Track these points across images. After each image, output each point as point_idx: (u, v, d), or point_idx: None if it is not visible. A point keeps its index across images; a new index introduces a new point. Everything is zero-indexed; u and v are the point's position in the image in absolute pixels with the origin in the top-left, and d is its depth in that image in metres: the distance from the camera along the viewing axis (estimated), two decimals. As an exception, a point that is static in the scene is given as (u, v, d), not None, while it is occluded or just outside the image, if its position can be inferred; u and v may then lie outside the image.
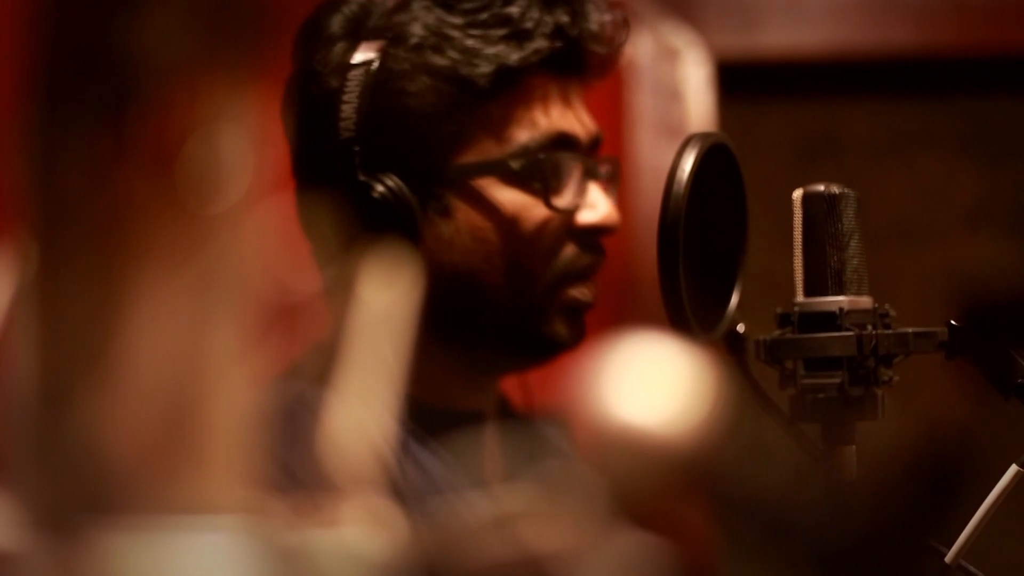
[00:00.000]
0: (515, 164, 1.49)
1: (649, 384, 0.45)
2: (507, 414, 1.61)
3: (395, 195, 1.45)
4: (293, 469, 1.35)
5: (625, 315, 2.66)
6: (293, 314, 1.44)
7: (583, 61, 1.53)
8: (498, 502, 0.47)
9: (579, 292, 1.52)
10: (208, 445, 0.49)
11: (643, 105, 2.98)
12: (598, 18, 1.53)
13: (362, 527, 0.49)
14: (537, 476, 0.46)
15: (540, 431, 1.64)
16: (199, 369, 0.49)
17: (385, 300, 0.51)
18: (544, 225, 1.50)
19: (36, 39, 0.50)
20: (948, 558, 1.22)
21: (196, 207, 0.48)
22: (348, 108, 1.46)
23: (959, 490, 0.50)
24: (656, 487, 0.44)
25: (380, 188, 1.45)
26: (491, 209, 1.49)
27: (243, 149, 0.49)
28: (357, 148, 1.45)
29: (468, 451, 1.51)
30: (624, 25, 1.56)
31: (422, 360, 1.51)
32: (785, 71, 3.23)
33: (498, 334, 1.52)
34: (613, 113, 2.90)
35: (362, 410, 0.52)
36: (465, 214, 1.49)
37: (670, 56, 3.02)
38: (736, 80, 3.07)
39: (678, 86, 3.03)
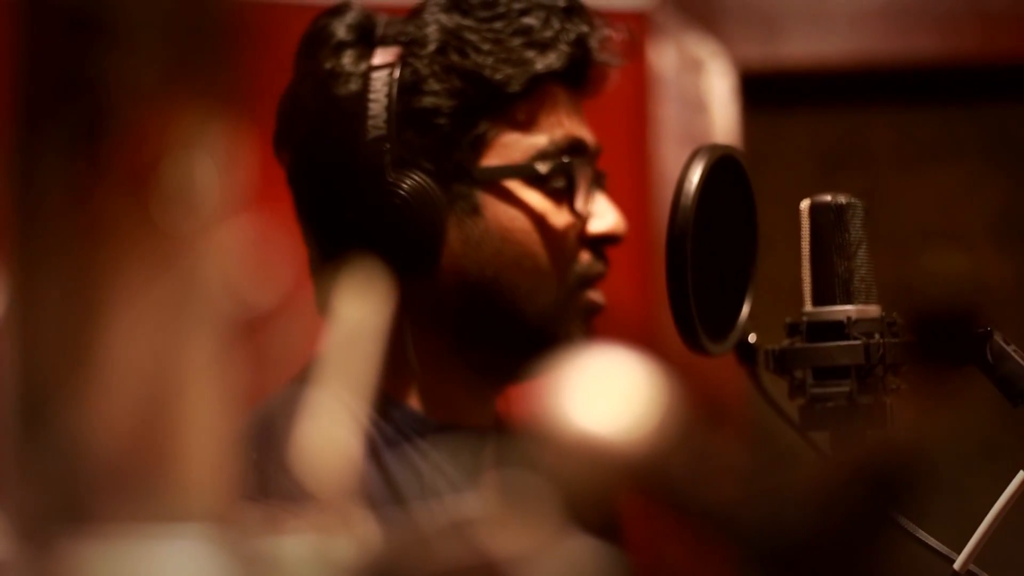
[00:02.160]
0: (542, 168, 1.51)
1: (602, 393, 0.46)
2: (502, 429, 1.62)
3: (425, 193, 1.47)
4: (266, 478, 1.36)
5: (646, 325, 2.67)
6: (259, 329, 1.45)
7: (591, 73, 1.55)
8: (454, 508, 0.48)
9: (596, 295, 1.54)
10: (182, 455, 0.50)
11: (667, 116, 2.99)
12: (606, 32, 1.56)
13: (326, 534, 0.50)
14: (492, 483, 0.47)
15: (530, 444, 1.64)
16: (173, 381, 0.50)
17: (358, 313, 0.52)
18: (566, 229, 1.53)
19: (13, 64, 0.51)
20: (957, 564, 1.22)
21: (169, 227, 0.49)
22: (376, 107, 1.47)
23: (903, 497, 0.51)
24: (607, 493, 0.45)
25: (409, 185, 1.47)
26: (520, 211, 1.51)
27: (214, 171, 0.50)
28: (387, 146, 1.47)
29: (473, 467, 1.53)
30: (630, 40, 1.59)
31: (431, 373, 1.52)
32: (808, 81, 3.23)
33: (520, 333, 1.53)
34: (637, 124, 2.91)
35: (333, 420, 0.53)
36: (494, 214, 1.51)
37: (694, 67, 3.02)
38: (760, 90, 3.07)
39: (702, 97, 3.03)
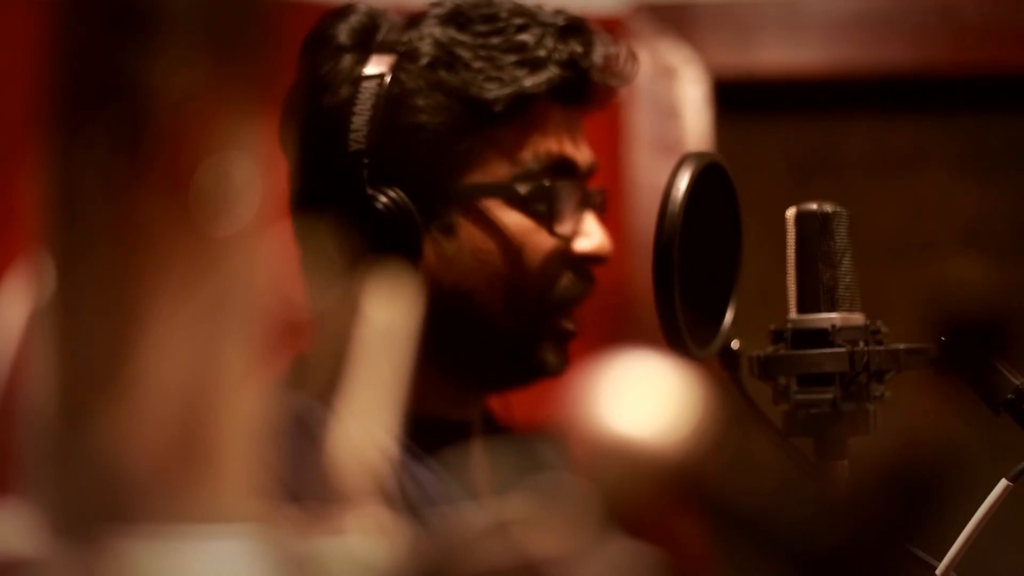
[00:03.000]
0: (522, 189, 1.50)
1: (640, 397, 0.47)
2: (492, 427, 1.63)
3: (400, 210, 1.46)
4: (299, 480, 1.37)
5: (620, 334, 2.68)
6: (299, 331, 1.46)
7: (589, 92, 1.55)
8: (495, 510, 0.49)
9: (569, 323, 1.54)
10: (220, 456, 0.51)
11: (640, 123, 2.99)
12: (606, 51, 1.55)
13: (366, 535, 0.51)
14: (532, 486, 0.48)
15: (527, 443, 1.66)
16: (211, 383, 0.51)
17: (388, 317, 0.53)
18: (545, 251, 1.52)
19: (53, 66, 0.52)
20: (939, 571, 1.24)
21: (208, 229, 0.50)
22: (359, 120, 1.47)
23: (937, 501, 0.52)
24: (646, 496, 0.46)
25: (385, 202, 1.46)
26: (495, 231, 1.50)
27: (253, 173, 0.51)
28: (366, 161, 1.46)
29: (455, 461, 1.53)
30: (631, 59, 1.58)
31: (412, 373, 1.53)
32: (782, 89, 3.24)
33: (490, 355, 1.53)
34: (610, 131, 2.91)
35: (364, 424, 0.54)
36: (468, 234, 1.50)
37: (667, 74, 3.03)
38: (733, 98, 3.08)
39: (675, 104, 3.04)
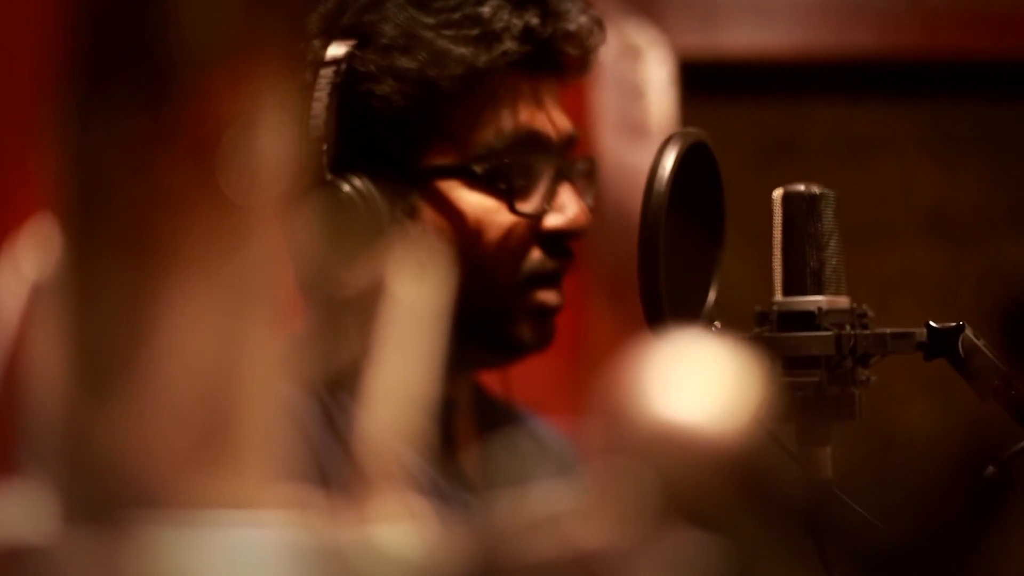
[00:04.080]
0: (479, 168, 1.47)
1: (695, 382, 0.45)
2: (483, 405, 1.60)
3: (362, 196, 1.44)
4: (325, 465, 1.35)
5: (584, 312, 2.66)
6: (325, 309, 1.43)
7: (556, 61, 1.51)
8: (544, 500, 0.46)
9: (546, 296, 1.51)
10: (243, 439, 0.48)
11: (605, 103, 2.98)
12: (573, 18, 1.51)
13: (403, 525, 0.49)
14: (588, 472, 0.46)
15: (518, 422, 1.63)
16: (235, 362, 0.48)
17: (417, 295, 0.51)
18: (509, 230, 1.49)
19: (73, 21, 0.49)
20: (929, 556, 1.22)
21: (235, 198, 0.47)
22: (318, 106, 1.44)
23: (1007, 498, 0.50)
24: (703, 485, 0.43)
25: (347, 188, 1.44)
26: (456, 212, 1.48)
27: (285, 138, 0.48)
28: (325, 147, 1.44)
29: (440, 439, 1.51)
30: (599, 26, 1.54)
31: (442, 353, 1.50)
32: (747, 71, 3.24)
33: (464, 334, 1.50)
34: (575, 111, 2.89)
35: (392, 406, 0.52)
36: (431, 216, 1.48)
37: (632, 54, 3.02)
38: (698, 79, 3.07)
39: (640, 85, 3.03)
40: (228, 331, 0.48)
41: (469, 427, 1.58)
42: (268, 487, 0.49)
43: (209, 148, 0.48)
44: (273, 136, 0.48)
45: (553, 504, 0.46)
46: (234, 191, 0.47)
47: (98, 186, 0.48)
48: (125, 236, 0.48)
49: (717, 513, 0.44)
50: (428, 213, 1.47)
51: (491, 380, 1.63)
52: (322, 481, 1.31)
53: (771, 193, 1.32)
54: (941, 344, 1.26)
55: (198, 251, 0.48)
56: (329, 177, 1.43)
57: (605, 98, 2.98)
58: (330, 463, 1.34)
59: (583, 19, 1.52)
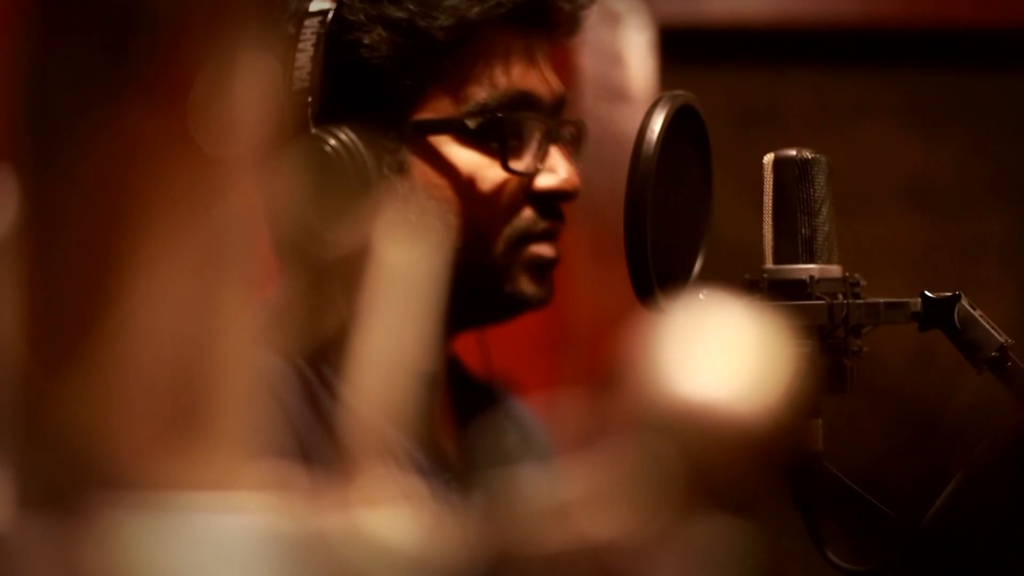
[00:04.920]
0: (471, 123, 1.44)
1: (721, 353, 0.41)
2: (458, 378, 1.57)
3: (348, 150, 1.40)
4: (306, 442, 1.30)
5: (566, 277, 2.63)
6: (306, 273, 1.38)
7: (549, 17, 1.48)
8: (558, 487, 0.42)
9: (541, 248, 1.47)
10: (216, 416, 0.44)
11: (585, 69, 2.95)
12: None
13: (395, 509, 0.45)
14: (605, 454, 0.42)
15: (492, 398, 1.60)
16: (208, 330, 0.44)
17: (407, 259, 0.47)
18: (500, 187, 1.45)
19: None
20: (918, 530, 1.19)
21: (209, 149, 0.43)
22: (303, 57, 1.40)
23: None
24: (733, 466, 0.40)
25: (332, 142, 1.39)
26: (447, 168, 1.44)
27: (262, 83, 0.44)
28: (310, 99, 1.39)
29: (420, 415, 1.47)
30: None
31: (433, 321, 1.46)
32: (728, 38, 3.21)
33: (459, 291, 1.46)
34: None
35: (380, 378, 0.48)
36: (421, 172, 1.44)
37: (613, 20, 2.99)
38: (678, 46, 3.05)
39: (620, 51, 3.00)
40: (200, 295, 0.44)
41: (446, 402, 1.54)
42: (244, 467, 0.45)
43: (180, 94, 0.43)
44: (250, 81, 0.44)
45: (563, 489, 0.42)
46: (207, 141, 0.43)
47: (58, 135, 0.44)
48: (87, 190, 0.44)
49: (747, 496, 0.40)
50: (417, 169, 1.43)
51: (469, 349, 1.59)
52: (304, 460, 1.27)
53: (749, 161, 1.29)
54: (936, 314, 1.23)
55: (168, 207, 0.43)
56: (314, 130, 1.39)
57: (585, 63, 2.96)
58: (312, 440, 1.30)
59: None
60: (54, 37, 0.44)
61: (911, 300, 1.24)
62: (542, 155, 1.47)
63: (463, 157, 1.44)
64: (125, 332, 0.43)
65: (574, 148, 1.52)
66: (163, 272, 0.43)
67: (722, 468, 0.40)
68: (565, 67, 2.85)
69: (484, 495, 1.33)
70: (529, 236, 1.46)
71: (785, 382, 0.42)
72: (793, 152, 1.27)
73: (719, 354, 0.41)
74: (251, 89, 0.44)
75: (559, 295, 1.55)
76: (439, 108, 1.44)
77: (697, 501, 0.40)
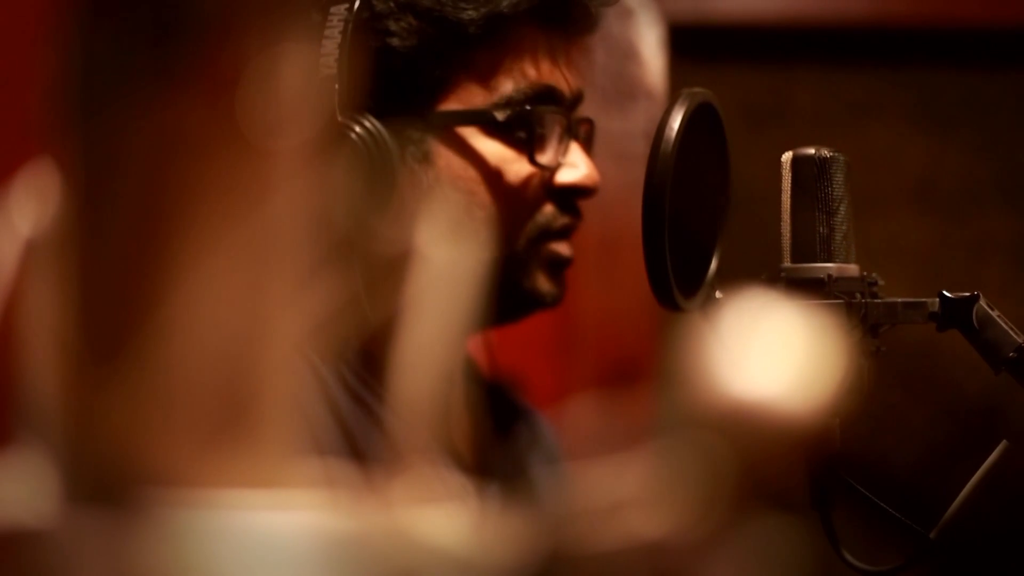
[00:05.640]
0: (500, 115, 1.44)
1: (773, 351, 0.41)
2: (471, 375, 1.57)
3: (373, 138, 1.39)
4: (356, 440, 1.30)
5: (573, 276, 2.63)
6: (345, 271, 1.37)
7: (572, 15, 1.48)
8: (608, 486, 0.42)
9: (559, 247, 1.48)
10: (264, 414, 0.43)
11: (595, 64, 2.95)
12: None
13: (443, 508, 0.44)
14: (653, 452, 0.42)
15: (504, 393, 1.60)
16: (257, 328, 0.44)
17: (448, 257, 0.46)
18: (525, 180, 1.45)
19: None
20: (933, 534, 1.19)
21: (258, 143, 0.43)
22: (330, 44, 1.39)
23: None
24: (785, 465, 0.39)
25: (358, 129, 1.39)
26: (473, 159, 1.44)
27: (308, 78, 0.44)
28: (336, 86, 1.39)
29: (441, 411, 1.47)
30: None
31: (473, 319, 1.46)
32: (737, 35, 3.22)
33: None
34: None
35: (423, 376, 0.47)
36: (446, 163, 1.44)
37: (623, 16, 2.99)
38: (689, 43, 3.05)
39: (631, 47, 3.00)
40: (249, 293, 0.43)
41: (461, 402, 1.54)
42: (291, 465, 0.44)
43: (228, 87, 0.43)
44: (298, 73, 0.44)
45: (613, 487, 0.42)
46: (255, 135, 0.43)
47: (104, 129, 0.44)
48: (134, 185, 0.43)
49: (800, 496, 0.40)
50: (443, 160, 1.43)
51: (477, 349, 1.59)
52: (351, 458, 1.26)
53: (758, 158, 1.29)
54: (954, 314, 1.23)
55: (215, 203, 0.43)
56: (340, 118, 1.39)
57: (595, 59, 2.95)
58: (359, 438, 1.29)
59: None
60: (99, 29, 0.43)
61: (929, 300, 1.23)
62: (563, 150, 1.47)
63: (489, 149, 1.44)
64: (173, 328, 0.43)
65: (587, 146, 1.53)
66: (210, 267, 0.43)
67: (773, 467, 0.40)
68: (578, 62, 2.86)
69: (530, 495, 1.33)
70: (549, 232, 1.47)
71: (836, 381, 0.42)
72: (812, 150, 1.26)
73: (769, 352, 0.41)
74: (299, 80, 0.44)
75: (569, 293, 1.55)
76: (465, 99, 1.44)
77: (748, 500, 0.40)
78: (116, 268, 0.43)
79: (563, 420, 1.64)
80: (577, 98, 1.51)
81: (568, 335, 2.80)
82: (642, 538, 0.40)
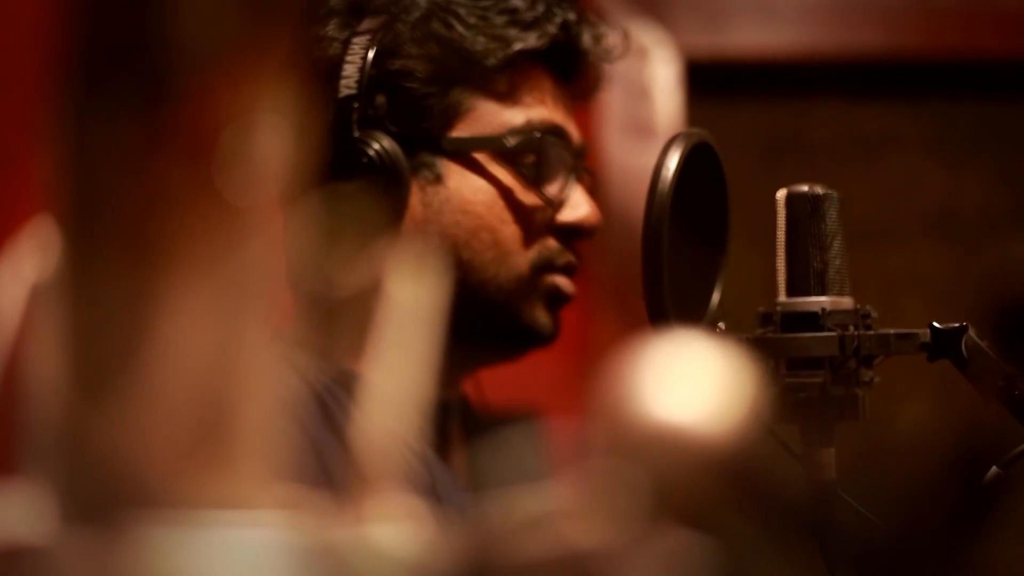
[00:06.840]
0: (511, 141, 1.49)
1: (688, 381, 0.45)
2: (468, 409, 1.61)
3: (389, 155, 1.45)
4: (322, 464, 1.34)
5: (589, 314, 2.66)
6: (318, 309, 1.42)
7: (578, 64, 1.54)
8: (536, 500, 0.46)
9: (560, 280, 1.52)
10: (240, 440, 0.48)
11: (611, 103, 2.98)
12: (594, 24, 1.55)
13: (399, 524, 0.49)
14: (579, 472, 0.46)
15: (504, 427, 1.63)
16: (232, 362, 0.48)
17: (414, 293, 0.51)
18: (531, 211, 1.50)
19: (71, 21, 0.49)
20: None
21: (232, 199, 0.47)
22: (350, 68, 1.46)
23: (999, 496, 0.50)
24: (696, 485, 0.43)
25: (375, 146, 1.45)
26: (483, 184, 1.49)
27: (282, 138, 0.48)
28: (356, 105, 1.45)
29: (437, 443, 1.51)
30: (623, 39, 1.58)
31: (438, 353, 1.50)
32: (753, 71, 3.23)
33: (479, 314, 1.50)
34: (581, 111, 2.90)
35: (390, 405, 0.52)
36: (456, 185, 1.49)
37: (639, 54, 3.02)
38: (704, 79, 3.07)
39: (646, 85, 3.03)
40: (225, 331, 0.48)
41: (459, 432, 1.58)
42: (265, 487, 0.49)
43: (206, 149, 0.48)
44: (271, 137, 0.48)
45: (545, 504, 0.46)
46: (231, 192, 0.47)
47: (96, 187, 0.48)
48: (123, 237, 0.48)
49: (710, 514, 0.44)
50: (452, 183, 1.49)
51: (500, 381, 1.62)
52: (320, 480, 1.31)
53: (775, 193, 1.32)
54: (944, 345, 1.26)
55: (195, 252, 0.48)
56: (357, 135, 1.45)
57: (611, 98, 2.98)
58: (328, 461, 1.34)
59: (608, 30, 1.56)
60: (91, 96, 0.48)
61: (920, 331, 1.27)
62: (568, 188, 1.52)
63: (500, 175, 1.50)
64: (157, 364, 0.48)
65: (590, 195, 1.57)
66: (191, 309, 0.48)
67: (689, 487, 0.44)
68: (591, 102, 2.89)
69: (473, 510, 1.37)
70: (552, 266, 1.51)
71: (746, 409, 0.45)
72: (805, 188, 1.30)
73: (688, 382, 0.45)
74: (272, 143, 0.48)
75: (584, 329, 1.59)
76: (479, 126, 1.50)
77: (665, 517, 0.44)
78: (108, 311, 0.48)
79: (577, 450, 1.67)
80: (581, 149, 1.56)
81: (588, 371, 2.83)
82: (570, 546, 0.44)
